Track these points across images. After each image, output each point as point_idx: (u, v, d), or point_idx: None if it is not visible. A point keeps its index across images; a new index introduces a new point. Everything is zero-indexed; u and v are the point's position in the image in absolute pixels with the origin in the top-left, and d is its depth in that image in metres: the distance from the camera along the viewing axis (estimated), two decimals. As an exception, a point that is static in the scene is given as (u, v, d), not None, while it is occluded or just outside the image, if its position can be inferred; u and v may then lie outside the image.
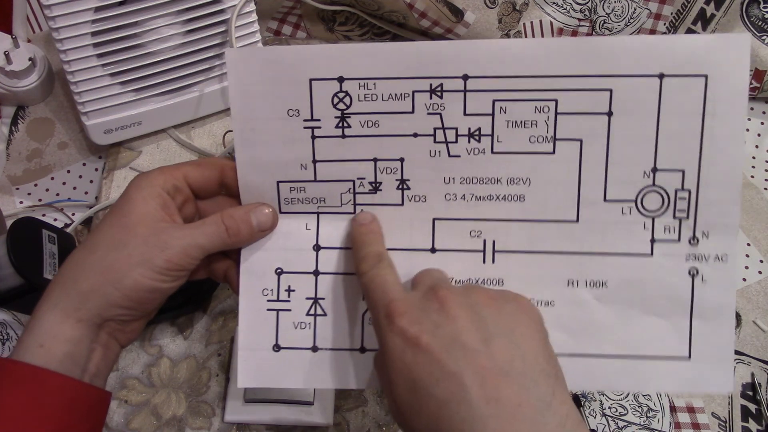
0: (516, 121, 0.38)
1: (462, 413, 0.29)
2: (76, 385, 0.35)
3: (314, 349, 0.40)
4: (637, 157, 0.38)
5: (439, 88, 0.37)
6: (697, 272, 0.38)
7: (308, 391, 0.51)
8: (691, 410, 0.54)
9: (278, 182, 0.40)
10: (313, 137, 0.39)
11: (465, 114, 0.38)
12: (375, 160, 0.39)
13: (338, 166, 0.39)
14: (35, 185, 0.63)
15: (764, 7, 0.68)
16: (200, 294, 0.55)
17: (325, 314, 0.40)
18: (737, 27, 0.68)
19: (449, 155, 0.38)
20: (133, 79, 0.59)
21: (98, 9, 0.55)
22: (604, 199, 0.38)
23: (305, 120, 0.38)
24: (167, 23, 0.58)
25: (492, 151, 0.38)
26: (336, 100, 0.38)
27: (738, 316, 0.59)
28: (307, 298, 0.40)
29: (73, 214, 0.61)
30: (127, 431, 0.51)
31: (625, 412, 0.53)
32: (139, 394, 0.53)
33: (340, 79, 0.37)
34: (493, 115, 0.38)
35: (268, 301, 0.40)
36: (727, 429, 0.54)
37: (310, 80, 0.38)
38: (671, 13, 0.68)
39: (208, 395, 0.53)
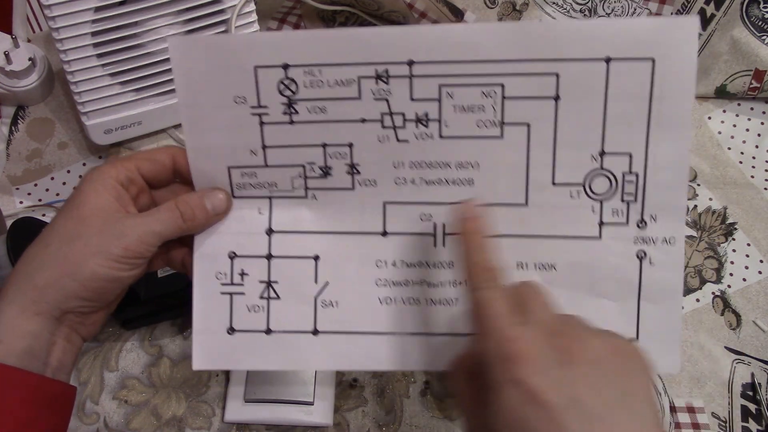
0: (463, 106, 0.38)
1: None
2: (37, 380, 0.35)
3: (268, 331, 0.40)
4: (584, 140, 0.38)
5: (384, 74, 0.37)
6: (645, 255, 0.39)
7: (308, 391, 0.51)
8: (691, 410, 0.54)
9: (229, 168, 0.40)
10: (261, 123, 0.39)
11: (412, 99, 0.38)
12: (324, 145, 0.39)
13: (288, 152, 0.39)
14: (35, 185, 0.63)
15: (764, 7, 0.68)
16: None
17: (278, 297, 0.40)
18: (737, 27, 0.68)
19: (397, 140, 0.38)
20: (133, 79, 0.59)
21: (98, 9, 0.55)
22: (553, 183, 0.38)
23: (252, 107, 0.38)
24: (167, 23, 0.58)
25: (440, 136, 0.38)
26: (282, 86, 0.38)
27: (738, 316, 0.59)
28: (260, 282, 0.40)
29: (73, 214, 0.61)
30: (127, 431, 0.51)
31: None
32: (139, 394, 0.53)
33: (285, 66, 0.37)
34: (440, 100, 0.38)
35: (222, 284, 0.40)
36: (727, 429, 0.54)
37: (255, 67, 0.38)
38: (671, 13, 0.68)
39: (208, 395, 0.53)
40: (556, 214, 0.39)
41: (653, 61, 0.36)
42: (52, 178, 0.63)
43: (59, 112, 0.67)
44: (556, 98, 0.37)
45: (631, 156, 0.38)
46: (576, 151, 0.38)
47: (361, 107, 0.38)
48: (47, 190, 0.62)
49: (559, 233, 0.39)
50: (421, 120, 0.38)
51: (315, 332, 0.40)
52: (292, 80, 0.38)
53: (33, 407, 0.35)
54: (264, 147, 0.39)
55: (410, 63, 0.37)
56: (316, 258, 0.41)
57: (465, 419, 0.35)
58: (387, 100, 0.38)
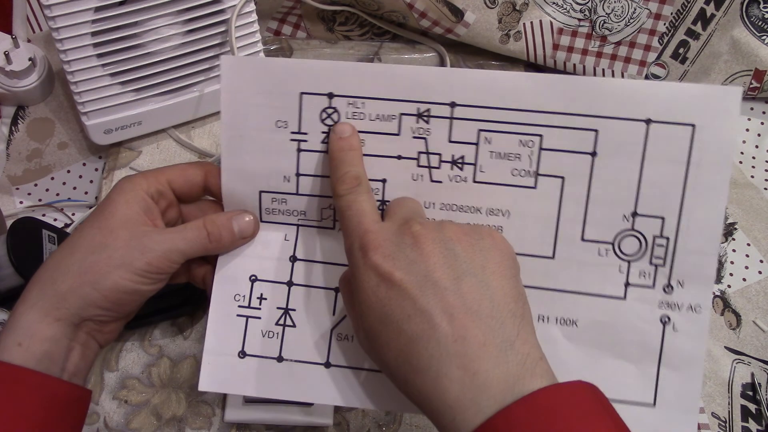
0: (500, 153, 0.38)
1: (430, 350, 0.30)
2: (54, 383, 0.35)
3: (279, 359, 0.40)
4: (618, 199, 0.38)
5: (426, 113, 0.37)
6: (669, 320, 0.38)
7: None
8: (691, 410, 0.54)
9: (261, 192, 0.40)
10: (299, 150, 0.39)
11: (450, 141, 0.38)
12: None
13: (321, 182, 0.39)
14: (35, 185, 0.63)
15: (764, 7, 0.68)
16: (200, 294, 0.55)
17: (294, 325, 0.40)
18: (737, 27, 0.68)
19: (431, 180, 0.39)
20: (133, 79, 0.59)
21: (98, 9, 0.55)
22: (582, 239, 0.38)
23: (293, 132, 0.39)
24: (167, 23, 0.58)
25: (474, 180, 0.38)
26: (324, 115, 0.38)
27: (738, 316, 0.59)
28: (278, 308, 0.40)
29: (73, 214, 0.61)
30: (127, 431, 0.51)
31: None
32: (139, 394, 0.53)
33: (330, 95, 0.38)
34: (477, 144, 0.38)
35: (239, 306, 0.40)
36: (727, 429, 0.54)
37: (301, 94, 0.38)
38: (671, 13, 0.68)
39: (208, 395, 0.53)
40: (582, 270, 0.38)
41: (693, 127, 0.36)
42: (52, 178, 0.63)
43: (59, 112, 0.67)
44: (593, 154, 0.37)
45: (663, 220, 0.38)
46: (608, 209, 0.38)
47: (399, 144, 0.38)
48: (47, 190, 0.62)
49: (583, 290, 0.39)
50: (457, 162, 0.38)
51: (327, 365, 0.40)
52: (335, 110, 0.38)
53: (51, 410, 0.35)
54: (298, 174, 0.39)
55: (452, 105, 0.37)
56: (337, 290, 0.40)
57: (351, 322, 0.37)
58: (425, 140, 0.38)
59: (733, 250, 0.63)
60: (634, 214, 0.38)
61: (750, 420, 0.54)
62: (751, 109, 0.72)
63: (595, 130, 0.37)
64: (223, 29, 0.60)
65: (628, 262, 0.38)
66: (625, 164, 0.37)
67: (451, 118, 0.37)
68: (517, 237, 0.39)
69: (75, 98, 0.58)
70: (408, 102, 0.37)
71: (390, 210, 0.36)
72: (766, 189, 0.67)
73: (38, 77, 0.65)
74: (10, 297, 0.50)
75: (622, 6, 0.68)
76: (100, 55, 0.57)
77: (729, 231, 0.64)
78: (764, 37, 0.68)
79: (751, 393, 0.56)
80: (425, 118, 0.38)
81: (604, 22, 0.69)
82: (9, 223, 0.52)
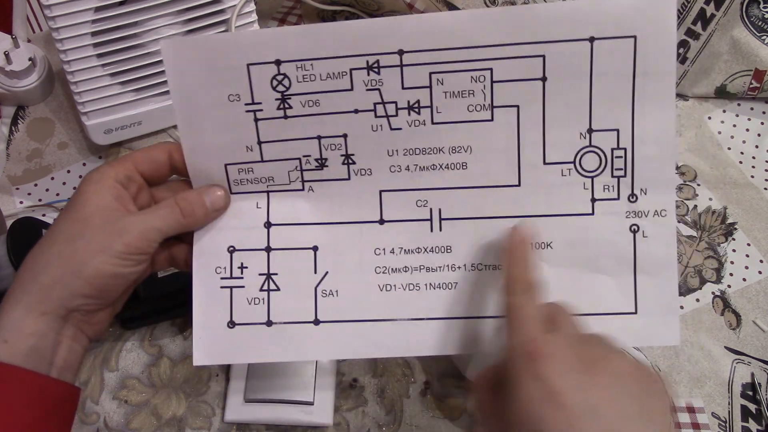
0: (453, 92, 0.38)
1: None
2: (42, 381, 0.35)
3: (269, 323, 0.41)
4: (572, 119, 0.38)
5: (375, 65, 0.38)
6: (638, 228, 0.39)
7: (308, 391, 0.51)
8: (691, 410, 0.54)
9: (226, 165, 0.40)
10: (256, 120, 0.39)
11: (403, 88, 0.38)
12: (319, 137, 0.39)
13: (283, 146, 0.40)
14: (35, 185, 0.63)
15: (764, 7, 0.68)
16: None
17: (278, 289, 0.41)
18: (737, 27, 0.68)
19: (391, 129, 0.39)
20: (133, 79, 0.59)
21: (98, 9, 0.55)
22: (544, 162, 0.39)
23: (246, 104, 0.39)
24: (167, 23, 0.58)
25: (432, 122, 0.39)
26: (275, 82, 0.38)
27: (738, 316, 0.59)
28: (260, 274, 0.41)
29: (73, 214, 0.61)
30: (127, 431, 0.51)
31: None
32: (139, 394, 0.53)
33: (278, 62, 0.38)
34: (430, 87, 0.38)
35: (222, 278, 0.41)
36: (727, 429, 0.54)
37: (248, 65, 0.38)
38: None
39: (208, 395, 0.53)
40: (549, 193, 0.39)
41: (635, 38, 0.37)
42: (52, 178, 0.63)
43: (59, 112, 0.67)
44: (544, 79, 0.38)
45: (618, 132, 0.38)
46: (565, 130, 0.39)
47: (354, 98, 0.38)
48: (47, 190, 0.62)
49: (553, 212, 0.40)
50: (413, 107, 0.39)
51: (316, 322, 0.40)
52: (285, 75, 0.38)
53: (39, 407, 0.35)
54: (260, 143, 0.40)
55: (400, 53, 0.37)
56: (315, 248, 0.41)
57: (483, 425, 0.35)
58: (379, 90, 0.38)
59: (733, 250, 0.63)
60: (590, 131, 0.38)
61: (750, 420, 0.54)
62: (751, 109, 0.72)
63: (542, 56, 0.37)
64: (223, 29, 0.60)
65: (591, 178, 0.39)
66: (575, 84, 0.38)
67: (402, 65, 0.38)
68: (482, 170, 0.39)
69: (75, 98, 0.59)
70: (356, 57, 0.38)
71: (557, 321, 0.34)
72: (766, 189, 0.67)
73: (38, 77, 0.65)
74: (10, 297, 0.50)
75: None
76: (100, 55, 0.57)
77: (729, 231, 0.64)
78: (764, 37, 0.68)
79: (751, 393, 0.56)
80: (375, 70, 0.38)
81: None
82: (9, 223, 0.52)
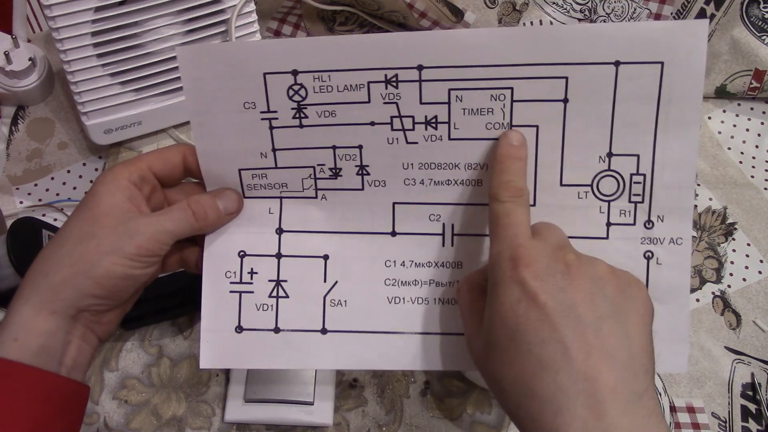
0: (472, 109, 0.38)
1: (558, 381, 0.30)
2: (52, 379, 0.35)
3: (276, 330, 0.40)
4: (592, 142, 0.38)
5: (394, 79, 0.37)
6: (652, 255, 0.39)
7: (308, 391, 0.51)
8: (691, 410, 0.54)
9: (240, 170, 0.40)
10: (271, 128, 0.39)
11: (421, 103, 0.38)
12: (334, 147, 0.39)
13: (298, 154, 0.40)
14: (35, 185, 0.63)
15: (764, 7, 0.68)
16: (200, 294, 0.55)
17: (287, 296, 0.41)
18: (737, 27, 0.68)
19: (407, 142, 0.39)
20: (133, 79, 0.59)
21: (98, 9, 0.55)
22: (561, 184, 0.39)
23: (262, 112, 0.39)
24: (167, 23, 0.58)
25: (449, 138, 0.39)
26: (291, 92, 0.38)
27: (738, 316, 0.59)
28: (270, 281, 0.41)
29: (73, 214, 0.61)
30: (127, 431, 0.51)
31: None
32: (139, 394, 0.53)
33: (294, 72, 0.38)
34: (449, 103, 0.38)
35: (231, 283, 0.41)
36: (727, 429, 0.54)
37: (264, 74, 0.38)
38: (671, 13, 0.68)
39: (208, 395, 0.53)
40: (564, 214, 0.39)
41: (662, 64, 0.36)
42: (52, 178, 0.63)
43: (59, 112, 0.67)
44: (565, 101, 0.37)
45: (638, 157, 0.38)
46: (584, 152, 0.38)
47: (371, 111, 0.38)
48: (47, 190, 0.62)
49: (567, 233, 0.39)
50: (431, 122, 0.38)
51: (323, 331, 0.40)
52: (301, 86, 0.38)
53: (48, 406, 0.35)
54: (274, 150, 0.40)
55: (420, 68, 0.37)
56: (326, 257, 0.41)
57: (464, 325, 0.37)
58: (396, 104, 0.38)
59: (733, 250, 0.63)
60: (610, 155, 0.38)
61: (750, 420, 0.54)
62: (751, 109, 0.72)
63: (565, 77, 0.37)
64: (223, 29, 0.60)
65: (608, 202, 0.39)
66: (597, 107, 0.37)
67: (420, 80, 0.37)
68: None
69: (75, 98, 0.59)
70: (374, 70, 0.37)
71: (540, 231, 0.36)
72: (766, 189, 0.67)
73: (38, 77, 0.65)
74: (10, 297, 0.50)
75: (622, 6, 0.68)
76: (100, 55, 0.57)
77: (729, 231, 0.64)
78: (764, 37, 0.68)
79: (751, 393, 0.56)
80: (394, 84, 0.38)
81: (604, 22, 0.69)
82: (9, 223, 0.52)
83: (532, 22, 0.69)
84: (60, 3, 0.54)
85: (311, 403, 0.51)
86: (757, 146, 0.69)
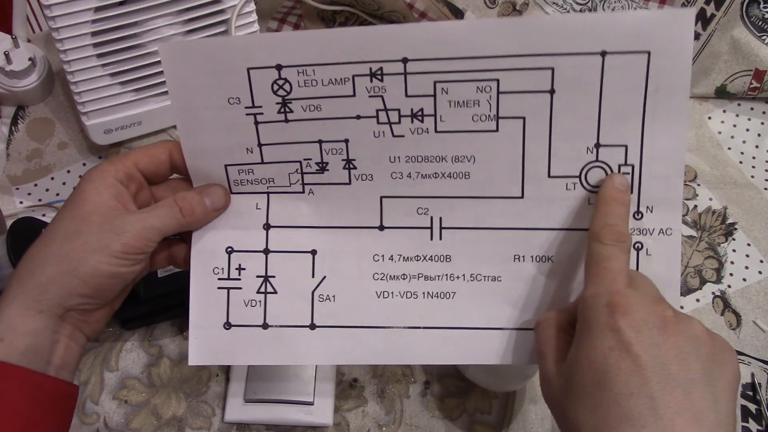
0: (458, 101, 0.38)
1: None
2: (39, 379, 0.35)
3: (264, 326, 0.40)
4: (580, 133, 0.38)
5: (379, 72, 0.37)
6: (642, 246, 0.39)
7: (308, 391, 0.51)
8: (691, 410, 0.54)
9: (226, 166, 0.40)
10: (256, 123, 0.39)
11: (407, 96, 0.38)
12: (320, 141, 0.39)
13: (284, 148, 0.40)
14: (35, 185, 0.63)
15: (764, 7, 0.68)
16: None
17: (275, 292, 0.41)
18: (737, 27, 0.68)
19: (393, 135, 0.39)
20: (133, 79, 0.59)
21: (98, 9, 0.55)
22: (549, 175, 0.39)
23: (246, 107, 0.39)
24: (167, 23, 0.58)
25: (436, 131, 0.38)
26: (276, 87, 0.38)
27: (738, 316, 0.59)
28: (258, 276, 0.41)
29: (73, 214, 0.61)
30: (127, 431, 0.51)
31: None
32: (139, 394, 0.53)
33: (278, 67, 0.38)
34: (434, 96, 0.38)
35: (219, 279, 0.41)
36: (727, 429, 0.54)
37: (248, 69, 0.38)
38: (671, 13, 0.68)
39: (208, 395, 0.53)
40: (552, 206, 0.39)
41: (649, 54, 0.36)
42: (52, 178, 0.63)
43: (59, 112, 0.67)
44: (552, 92, 0.37)
45: (626, 148, 0.38)
46: (572, 143, 0.38)
47: (356, 104, 0.38)
48: (47, 190, 0.62)
49: (555, 225, 0.39)
50: (417, 115, 0.38)
51: (312, 327, 0.40)
52: (286, 80, 0.38)
53: (36, 406, 0.35)
54: (260, 145, 0.40)
55: (404, 60, 0.37)
56: (314, 252, 0.41)
57: (540, 361, 0.36)
58: (382, 97, 0.38)
59: (733, 250, 0.63)
60: (597, 146, 0.38)
61: (750, 420, 0.54)
62: (751, 109, 0.72)
63: (551, 68, 0.37)
64: (223, 29, 0.60)
65: (596, 193, 0.38)
66: (584, 98, 0.37)
67: (405, 73, 0.37)
68: (485, 181, 0.39)
69: (75, 98, 0.59)
70: (359, 63, 0.37)
71: (636, 280, 0.35)
72: (766, 189, 0.67)
73: (38, 77, 0.65)
74: (10, 297, 0.50)
75: (622, 6, 0.68)
76: (100, 55, 0.57)
77: (729, 231, 0.64)
78: (764, 37, 0.68)
79: (751, 393, 0.56)
80: (378, 77, 0.37)
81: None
82: (9, 223, 0.52)
83: (532, 22, 0.69)
84: (60, 3, 0.54)
85: (311, 403, 0.51)
86: (757, 146, 0.69)
